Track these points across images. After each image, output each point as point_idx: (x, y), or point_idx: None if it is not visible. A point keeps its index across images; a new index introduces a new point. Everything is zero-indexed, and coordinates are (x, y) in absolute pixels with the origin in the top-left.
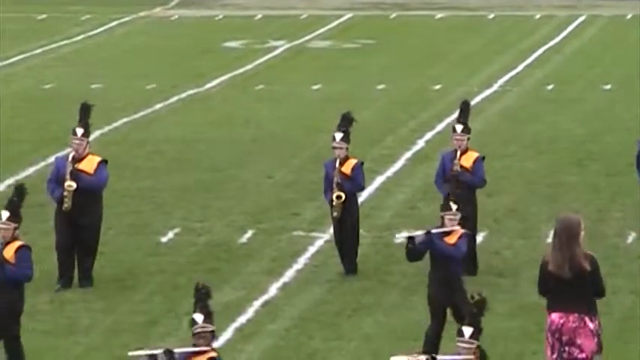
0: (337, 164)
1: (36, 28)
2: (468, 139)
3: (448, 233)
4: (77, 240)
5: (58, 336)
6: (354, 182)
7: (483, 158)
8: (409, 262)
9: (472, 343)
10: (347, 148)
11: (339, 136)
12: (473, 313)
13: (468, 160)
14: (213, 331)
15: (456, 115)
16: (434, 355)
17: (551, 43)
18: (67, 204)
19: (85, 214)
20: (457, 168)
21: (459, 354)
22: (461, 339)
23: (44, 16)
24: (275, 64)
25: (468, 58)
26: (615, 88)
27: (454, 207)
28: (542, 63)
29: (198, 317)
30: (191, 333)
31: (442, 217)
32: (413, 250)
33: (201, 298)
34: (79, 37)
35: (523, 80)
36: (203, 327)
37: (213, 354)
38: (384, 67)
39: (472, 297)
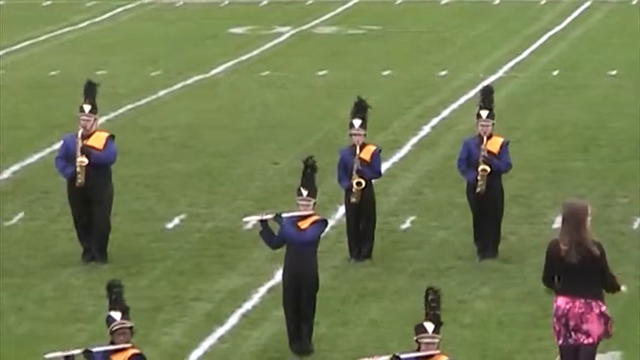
0: (357, 151)
1: (41, 15)
2: (493, 124)
3: (303, 218)
4: (90, 215)
5: (63, 323)
6: (373, 168)
7: (508, 143)
8: (271, 248)
9: (435, 338)
10: (364, 135)
11: (357, 123)
12: (432, 307)
13: (494, 145)
14: (131, 327)
15: (462, 100)
16: (397, 354)
17: (557, 29)
18: (80, 179)
19: (97, 190)
20: (485, 154)
21: (419, 350)
22: (424, 335)
23: (49, 2)
24: (280, 50)
25: (474, 44)
26: (621, 74)
27: (305, 192)
28: (547, 49)
29: (116, 314)
30: (108, 331)
31: (296, 203)
32: (266, 235)
33: (116, 296)
34: (83, 24)
35: (528, 66)
36: (122, 324)
37: (135, 350)
38: (390, 53)
39: (427, 292)
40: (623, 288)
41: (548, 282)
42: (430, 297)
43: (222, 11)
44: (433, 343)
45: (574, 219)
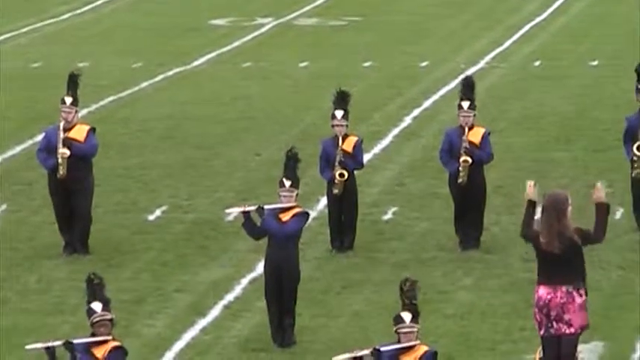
0: (340, 142)
1: (23, 7)
2: (474, 115)
3: (285, 210)
4: (72, 207)
5: (46, 315)
6: (355, 159)
7: (489, 133)
8: (253, 239)
9: (414, 327)
10: (347, 126)
11: (339, 114)
12: (408, 297)
13: (475, 135)
14: (112, 319)
15: (443, 91)
16: (377, 347)
17: (538, 19)
18: (62, 171)
19: (78, 181)
20: (466, 144)
21: (400, 341)
22: (402, 325)
23: None
24: (262, 41)
25: (455, 35)
26: (602, 64)
27: (287, 183)
28: (528, 39)
29: (97, 306)
30: (89, 323)
31: (279, 195)
32: (248, 226)
33: (97, 288)
34: (65, 16)
35: (510, 57)
36: (102, 315)
37: (115, 343)
38: (371, 44)
39: (404, 283)
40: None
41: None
42: (406, 287)
43: (203, 3)
44: (412, 333)
45: (555, 210)
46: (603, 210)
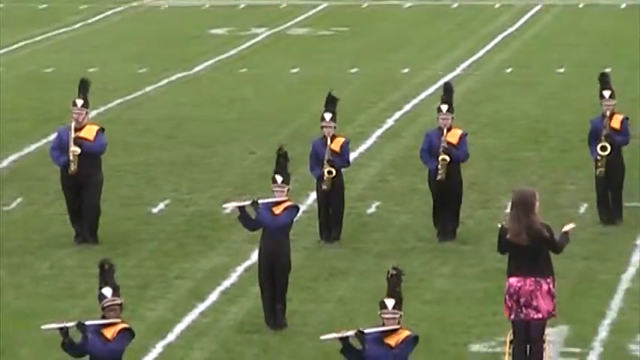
0: (328, 142)
1: (37, 17)
2: (452, 118)
3: (277, 204)
4: (82, 200)
5: (57, 299)
6: (343, 158)
7: (466, 135)
8: (248, 230)
9: (396, 313)
10: (334, 127)
11: (328, 116)
12: (392, 284)
13: (453, 136)
14: (121, 304)
15: (423, 95)
16: (361, 329)
17: (510, 30)
18: (73, 167)
19: (88, 177)
20: (445, 144)
21: (384, 325)
22: (385, 310)
23: (45, 5)
24: (257, 49)
25: (434, 44)
26: (568, 71)
27: (279, 179)
28: (501, 48)
29: (107, 291)
30: (100, 307)
31: (272, 190)
32: (244, 219)
33: (108, 275)
34: (77, 25)
35: (484, 64)
36: (112, 300)
37: (124, 325)
38: (357, 52)
39: (389, 272)
40: (570, 226)
41: (503, 253)
42: (391, 275)
43: (203, 13)
44: (394, 319)
45: (523, 205)
46: (566, 237)
